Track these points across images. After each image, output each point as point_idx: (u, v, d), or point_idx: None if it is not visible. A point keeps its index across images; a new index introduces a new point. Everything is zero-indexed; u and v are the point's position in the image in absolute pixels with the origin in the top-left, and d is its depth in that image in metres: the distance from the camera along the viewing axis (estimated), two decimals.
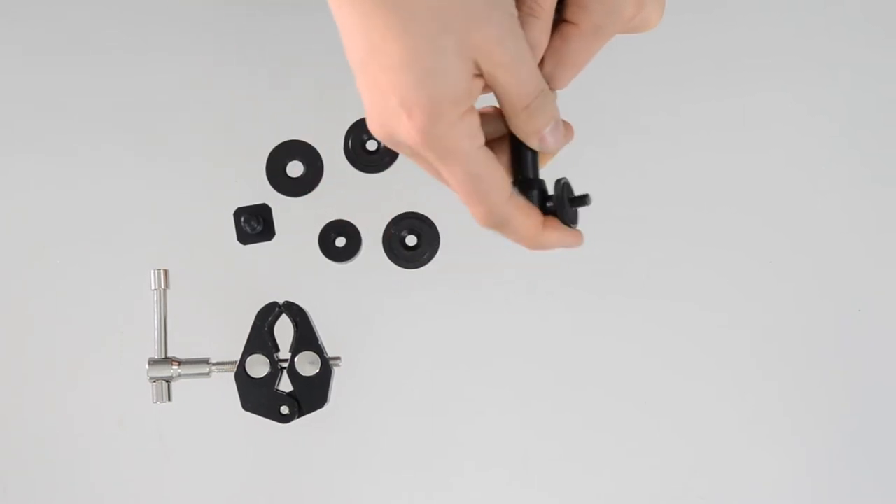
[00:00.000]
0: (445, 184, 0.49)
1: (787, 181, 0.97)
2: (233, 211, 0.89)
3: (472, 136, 0.46)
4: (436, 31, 0.44)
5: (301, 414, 0.78)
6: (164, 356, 0.80)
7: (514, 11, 0.46)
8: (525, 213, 0.50)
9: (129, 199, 0.95)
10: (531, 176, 0.51)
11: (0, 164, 0.96)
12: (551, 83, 0.53)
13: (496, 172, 0.48)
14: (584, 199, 0.53)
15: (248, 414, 0.78)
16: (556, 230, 0.52)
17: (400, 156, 0.70)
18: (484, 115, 0.49)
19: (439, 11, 0.44)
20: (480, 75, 0.46)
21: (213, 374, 0.80)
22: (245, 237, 0.88)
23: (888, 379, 0.95)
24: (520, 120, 0.49)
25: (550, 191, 0.53)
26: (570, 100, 0.98)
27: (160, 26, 0.97)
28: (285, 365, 0.78)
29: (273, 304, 0.79)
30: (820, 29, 0.98)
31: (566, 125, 0.53)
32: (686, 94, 0.97)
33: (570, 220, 0.52)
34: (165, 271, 0.82)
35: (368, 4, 0.44)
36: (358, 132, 0.72)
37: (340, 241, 0.88)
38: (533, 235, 0.51)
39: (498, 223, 0.50)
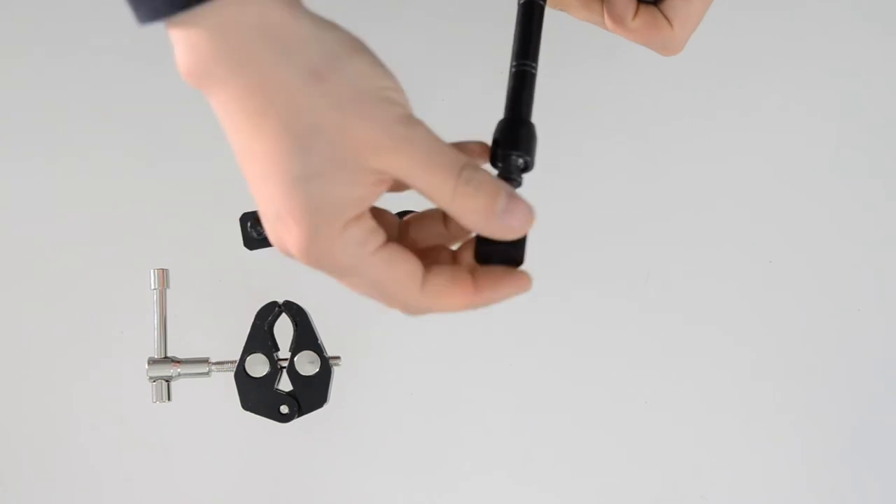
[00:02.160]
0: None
1: (787, 181, 0.97)
2: (233, 210, 0.89)
3: (362, 243, 0.42)
4: (306, 132, 0.40)
5: (301, 413, 0.78)
6: (164, 356, 0.80)
7: (390, 92, 0.42)
8: (447, 296, 0.46)
9: (130, 198, 0.95)
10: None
11: (3, 164, 0.96)
12: (674, 47, 0.53)
13: (399, 272, 0.44)
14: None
15: (248, 413, 0.78)
16: (492, 288, 0.47)
17: None
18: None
19: (309, 113, 0.40)
20: (384, 182, 0.42)
21: (213, 374, 0.80)
22: (251, 242, 0.87)
23: (888, 379, 0.95)
24: (458, 206, 0.42)
25: None
26: (568, 100, 0.99)
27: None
28: (285, 364, 0.78)
29: (273, 304, 0.79)
30: (819, 29, 0.98)
31: (525, 203, 0.45)
32: (685, 95, 0.97)
33: (510, 263, 0.47)
34: (165, 271, 0.81)
35: (233, 106, 0.41)
36: None
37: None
38: (465, 305, 0.47)
39: (419, 313, 0.46)
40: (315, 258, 0.42)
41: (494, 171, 0.48)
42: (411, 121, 0.42)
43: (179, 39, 0.41)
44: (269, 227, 0.43)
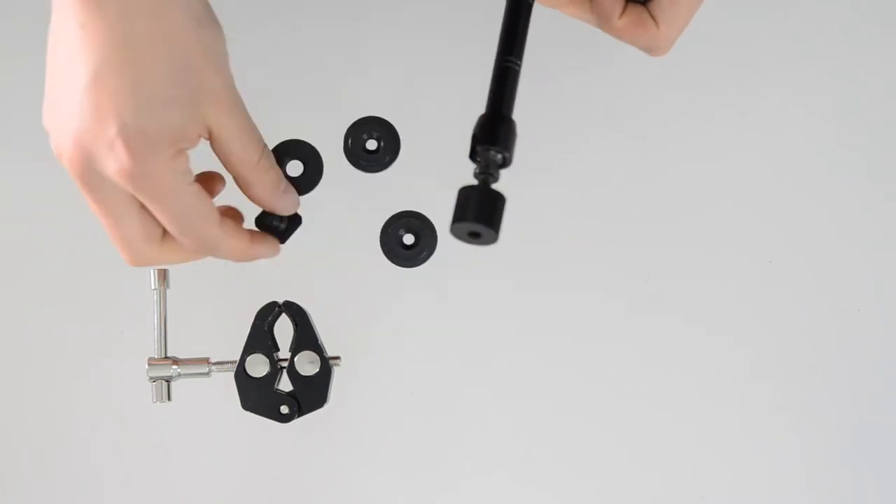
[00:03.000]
0: (128, 222, 0.50)
1: (787, 181, 0.97)
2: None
3: (185, 173, 0.48)
4: (179, 63, 0.46)
5: (301, 413, 0.78)
6: (163, 356, 0.80)
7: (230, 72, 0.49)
8: (235, 237, 0.53)
9: None
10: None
11: (3, 164, 0.96)
12: (660, 47, 0.54)
13: (206, 204, 0.50)
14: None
15: (248, 413, 0.78)
16: (263, 245, 0.56)
17: (401, 154, 0.70)
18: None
19: (184, 48, 0.46)
20: (202, 133, 0.48)
21: (213, 374, 0.80)
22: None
23: (889, 379, 0.95)
24: (256, 175, 0.52)
25: None
26: (567, 102, 0.99)
27: None
28: (285, 364, 0.78)
29: (273, 304, 0.78)
30: (817, 30, 0.98)
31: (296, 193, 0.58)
32: (684, 95, 0.97)
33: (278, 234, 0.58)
34: (165, 271, 0.81)
35: (101, 22, 0.45)
36: (358, 132, 0.72)
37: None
38: (241, 250, 0.54)
39: (209, 249, 0.52)
40: (141, 175, 0.46)
41: (460, 175, 0.50)
42: (238, 94, 0.50)
43: None
44: (88, 141, 0.46)
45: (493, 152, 0.48)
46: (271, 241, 0.57)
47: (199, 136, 0.49)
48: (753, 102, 0.97)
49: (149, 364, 0.79)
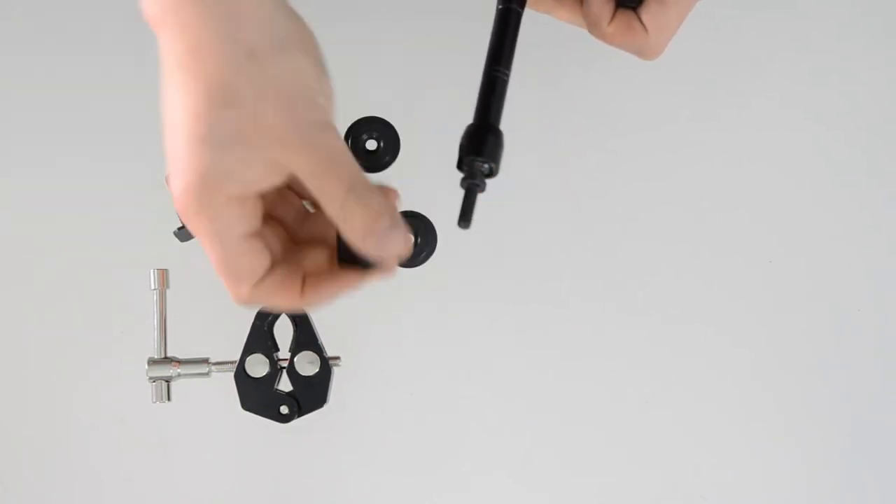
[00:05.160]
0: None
1: (786, 182, 0.97)
2: None
3: (231, 225, 0.44)
4: (220, 101, 0.42)
5: (300, 413, 0.78)
6: (163, 356, 0.80)
7: (317, 95, 0.44)
8: (274, 297, 0.47)
9: (130, 198, 0.95)
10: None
11: (3, 164, 0.96)
12: (651, 52, 0.53)
13: (245, 265, 0.45)
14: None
15: (248, 413, 0.78)
16: (313, 292, 0.48)
17: (400, 155, 0.70)
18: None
19: (229, 86, 0.42)
20: (281, 174, 0.43)
21: (213, 374, 0.80)
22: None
23: (887, 379, 0.95)
24: (343, 214, 0.44)
25: None
26: (566, 103, 0.99)
27: None
28: (285, 364, 0.78)
29: None
30: (815, 32, 0.98)
31: (406, 233, 0.46)
32: (684, 96, 0.97)
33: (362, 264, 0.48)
34: (165, 271, 0.81)
35: (173, 56, 0.44)
36: (358, 132, 0.72)
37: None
38: (293, 306, 0.48)
39: (250, 304, 0.48)
40: (187, 213, 0.44)
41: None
42: (324, 127, 0.44)
43: None
44: (170, 165, 0.45)
45: (478, 163, 0.48)
46: (326, 283, 0.48)
47: (275, 177, 0.43)
48: (753, 103, 0.97)
49: (149, 364, 0.79)
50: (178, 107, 0.43)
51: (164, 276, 0.81)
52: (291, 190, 0.49)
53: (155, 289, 0.81)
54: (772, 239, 0.96)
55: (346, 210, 0.44)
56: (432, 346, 0.95)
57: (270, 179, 0.43)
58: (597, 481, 0.94)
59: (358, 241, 0.44)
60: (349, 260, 0.47)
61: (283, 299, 0.47)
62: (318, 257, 0.49)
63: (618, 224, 0.96)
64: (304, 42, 0.44)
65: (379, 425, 0.94)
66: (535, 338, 0.95)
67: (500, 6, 0.51)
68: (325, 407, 0.78)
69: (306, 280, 0.48)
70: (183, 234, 0.91)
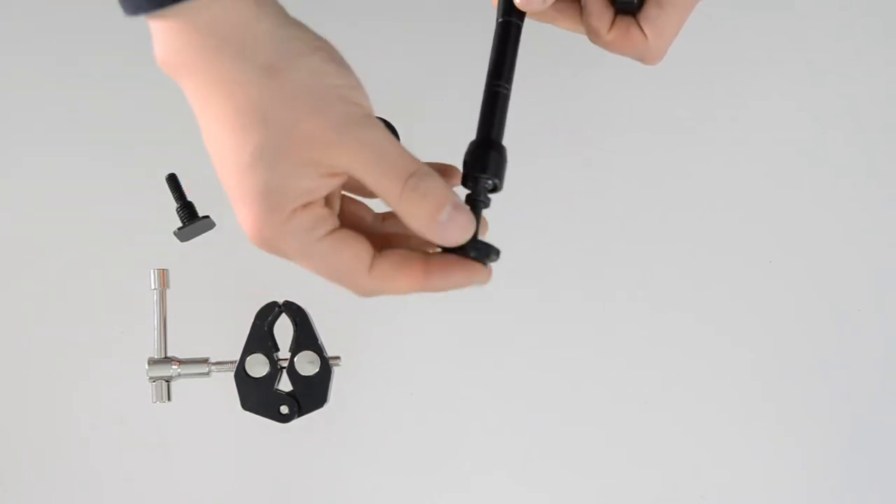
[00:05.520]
0: None
1: (786, 181, 0.97)
2: (233, 210, 0.89)
3: (309, 230, 0.44)
4: (248, 123, 0.43)
5: (301, 413, 0.78)
6: (163, 356, 0.80)
7: (347, 90, 0.44)
8: (394, 279, 0.46)
9: (130, 198, 0.95)
10: None
11: (3, 164, 0.96)
12: (652, 57, 0.54)
13: (345, 258, 0.45)
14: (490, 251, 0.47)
15: (248, 413, 0.78)
16: (442, 275, 0.47)
17: None
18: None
19: (254, 106, 0.43)
20: (336, 175, 0.44)
21: (213, 374, 0.80)
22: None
23: (888, 379, 0.95)
24: (403, 209, 0.44)
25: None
26: (565, 104, 0.99)
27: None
28: (285, 364, 0.78)
29: (273, 304, 0.79)
30: (814, 32, 0.98)
31: (474, 216, 0.47)
32: (684, 96, 0.97)
33: (479, 258, 0.47)
34: (165, 271, 0.82)
35: (198, 94, 0.44)
36: None
37: None
38: (414, 289, 0.47)
39: (371, 294, 0.47)
40: (265, 242, 0.44)
41: (466, 191, 0.49)
42: (366, 120, 0.44)
43: (156, 31, 0.44)
44: (234, 207, 0.45)
45: (483, 179, 0.49)
46: (458, 272, 0.47)
47: (333, 179, 0.44)
48: (751, 103, 0.97)
49: (149, 364, 0.79)
50: (218, 143, 0.44)
51: (164, 276, 0.81)
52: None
53: (155, 289, 0.81)
54: (772, 239, 0.96)
55: (405, 204, 0.44)
56: (432, 346, 0.95)
57: (328, 183, 0.44)
58: (597, 481, 0.94)
59: (423, 233, 0.45)
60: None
61: (403, 282, 0.46)
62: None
63: (618, 224, 0.96)
64: (314, 44, 0.45)
65: (379, 425, 0.94)
66: (535, 338, 0.95)
67: (500, 19, 0.51)
68: (325, 407, 0.78)
69: (430, 263, 0.47)
70: (183, 233, 0.91)
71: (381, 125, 0.45)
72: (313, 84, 0.43)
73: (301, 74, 0.43)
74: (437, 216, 0.44)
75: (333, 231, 0.45)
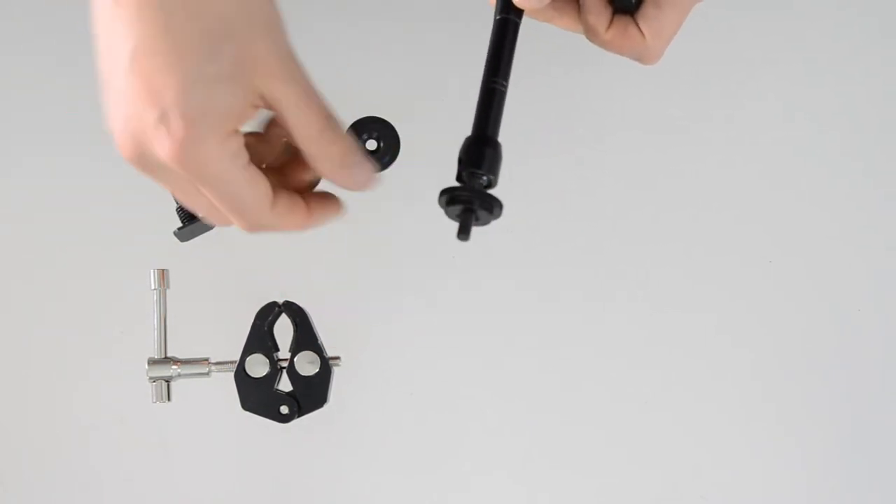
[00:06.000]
0: (197, 198, 0.47)
1: (786, 181, 0.97)
2: None
3: (235, 156, 0.44)
4: (217, 35, 0.42)
5: (301, 413, 0.78)
6: (163, 356, 0.80)
7: (284, 26, 0.45)
8: (289, 215, 0.49)
9: (130, 198, 0.95)
10: None
11: (3, 164, 0.96)
12: (649, 57, 0.54)
13: (258, 190, 0.46)
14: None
15: (248, 413, 0.78)
16: (321, 210, 0.51)
17: (401, 154, 0.70)
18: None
19: (222, 17, 0.42)
20: (258, 105, 0.44)
21: (213, 374, 0.80)
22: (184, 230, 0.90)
23: (888, 379, 0.95)
24: (317, 149, 0.46)
25: None
26: (565, 104, 0.99)
27: None
28: (285, 364, 0.78)
29: (273, 304, 0.79)
30: (811, 31, 0.98)
31: (371, 167, 0.50)
32: (683, 96, 0.97)
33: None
34: (165, 271, 0.81)
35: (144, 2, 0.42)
36: (358, 132, 0.72)
37: None
38: (300, 226, 0.50)
39: (262, 229, 0.49)
40: (189, 160, 0.43)
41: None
42: (297, 58, 0.45)
43: None
44: (137, 130, 0.44)
45: (478, 176, 0.49)
46: (332, 206, 0.51)
47: (256, 109, 0.44)
48: (747, 103, 0.97)
49: (149, 364, 0.79)
50: (159, 50, 0.42)
51: (164, 276, 0.81)
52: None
53: (155, 289, 0.81)
54: (771, 239, 0.96)
55: (324, 140, 0.46)
56: (432, 346, 0.95)
57: (254, 112, 0.45)
58: (597, 481, 0.94)
59: (333, 171, 0.47)
60: None
61: (294, 219, 0.49)
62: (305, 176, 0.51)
63: (617, 224, 0.96)
64: None
65: (379, 425, 0.94)
66: (535, 338, 0.95)
67: (497, 17, 0.51)
68: (325, 407, 0.78)
69: (310, 201, 0.50)
70: (183, 233, 0.91)
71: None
72: (267, 11, 0.44)
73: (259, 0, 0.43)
74: (347, 159, 0.47)
75: (249, 162, 0.45)
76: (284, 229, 0.49)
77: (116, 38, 0.43)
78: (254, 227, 0.48)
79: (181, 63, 0.41)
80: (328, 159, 0.47)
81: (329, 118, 0.46)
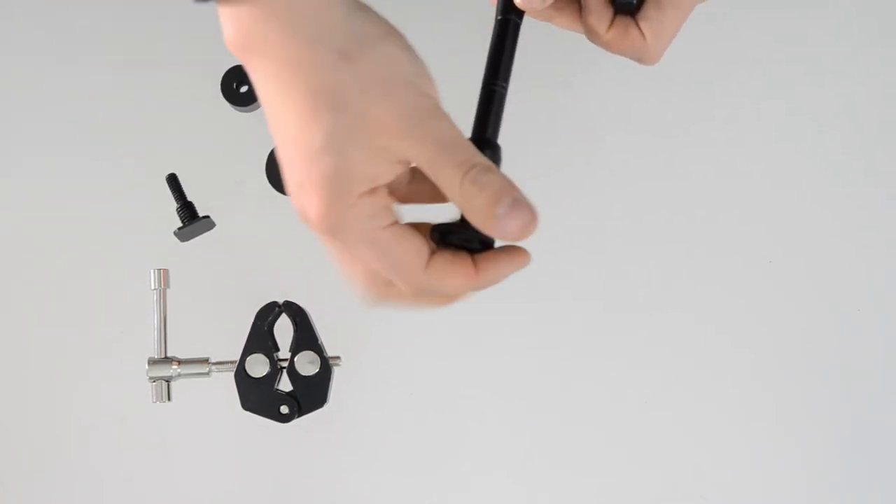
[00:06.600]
0: (352, 266, 0.46)
1: (787, 181, 0.97)
2: (232, 210, 0.89)
3: (373, 217, 0.44)
4: (326, 107, 0.43)
5: (301, 413, 0.78)
6: (163, 356, 0.80)
7: (417, 79, 0.45)
8: (449, 275, 0.46)
9: (130, 198, 0.95)
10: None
11: (3, 164, 0.96)
12: (650, 57, 0.54)
13: (406, 249, 0.45)
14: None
15: (248, 413, 0.78)
16: (491, 268, 0.47)
17: None
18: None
19: (327, 89, 0.42)
20: (400, 162, 0.44)
21: (213, 374, 0.80)
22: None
23: (888, 379, 0.95)
24: (462, 202, 0.44)
25: None
26: (565, 103, 0.99)
27: (161, 31, 0.97)
28: (285, 364, 0.78)
29: (273, 304, 0.79)
30: (813, 31, 0.98)
31: (530, 211, 0.46)
32: (684, 97, 0.97)
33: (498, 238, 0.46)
34: (165, 271, 0.82)
35: (268, 79, 0.44)
36: None
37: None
38: (466, 287, 0.47)
39: (423, 291, 0.47)
40: (329, 226, 0.44)
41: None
42: (432, 112, 0.44)
43: (227, 16, 0.44)
44: (293, 195, 0.45)
45: None
46: (503, 263, 0.48)
47: (398, 166, 0.44)
48: (753, 103, 0.97)
49: (149, 364, 0.79)
50: (286, 126, 0.44)
51: (164, 276, 0.81)
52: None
53: (155, 289, 0.81)
54: (771, 239, 0.96)
55: (465, 195, 0.44)
56: (432, 346, 0.95)
57: (394, 169, 0.44)
58: (597, 481, 0.94)
59: (482, 224, 0.44)
60: (442, 237, 0.47)
61: (457, 278, 0.46)
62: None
63: (617, 224, 0.96)
64: (387, 31, 0.45)
65: (379, 425, 0.94)
66: (535, 338, 0.95)
67: (498, 17, 0.51)
68: (325, 407, 0.78)
69: (477, 259, 0.47)
70: (183, 234, 0.91)
71: (448, 117, 0.45)
72: (386, 71, 0.43)
73: (374, 60, 0.43)
74: (493, 210, 0.44)
75: (395, 222, 0.45)
76: (446, 290, 0.47)
77: (265, 112, 0.45)
78: (413, 287, 0.46)
79: (300, 138, 0.43)
80: (472, 213, 0.44)
81: (469, 169, 0.43)
